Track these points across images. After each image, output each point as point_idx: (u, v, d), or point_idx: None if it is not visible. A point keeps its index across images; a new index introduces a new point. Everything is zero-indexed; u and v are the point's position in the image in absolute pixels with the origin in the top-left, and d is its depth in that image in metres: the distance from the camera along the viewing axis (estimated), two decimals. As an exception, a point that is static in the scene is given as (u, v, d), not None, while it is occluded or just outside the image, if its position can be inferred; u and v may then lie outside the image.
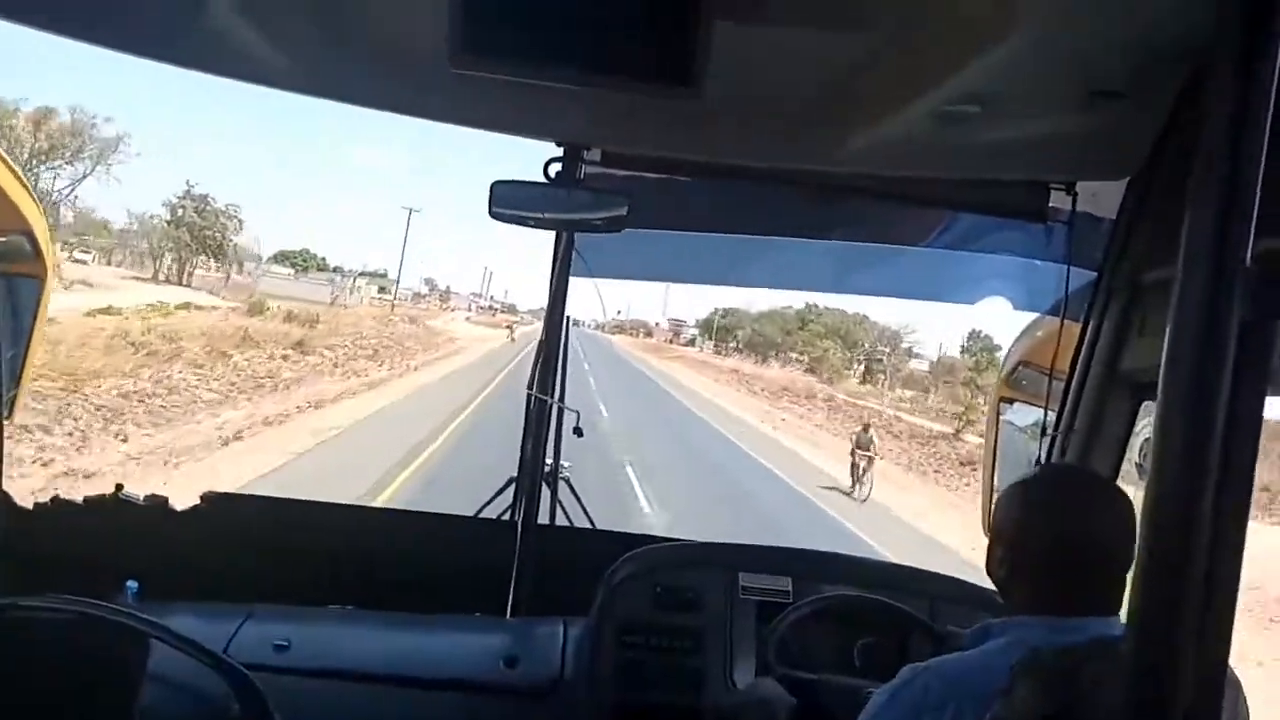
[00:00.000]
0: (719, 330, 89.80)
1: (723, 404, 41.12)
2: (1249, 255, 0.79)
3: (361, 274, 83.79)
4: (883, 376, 69.88)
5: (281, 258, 76.02)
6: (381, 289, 78.08)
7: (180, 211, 54.70)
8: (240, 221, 58.62)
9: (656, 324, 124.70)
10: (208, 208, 55.80)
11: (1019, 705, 1.30)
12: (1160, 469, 0.81)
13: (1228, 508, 0.80)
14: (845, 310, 76.09)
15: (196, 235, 54.99)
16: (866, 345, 76.40)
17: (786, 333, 78.89)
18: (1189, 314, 0.81)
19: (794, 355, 74.58)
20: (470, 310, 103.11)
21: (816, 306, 75.92)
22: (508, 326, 65.57)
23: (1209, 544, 0.78)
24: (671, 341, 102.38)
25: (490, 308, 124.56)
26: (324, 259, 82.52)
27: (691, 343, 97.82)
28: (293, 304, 42.03)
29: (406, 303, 77.48)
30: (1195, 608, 0.79)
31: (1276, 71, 0.79)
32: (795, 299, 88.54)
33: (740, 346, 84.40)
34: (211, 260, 58.91)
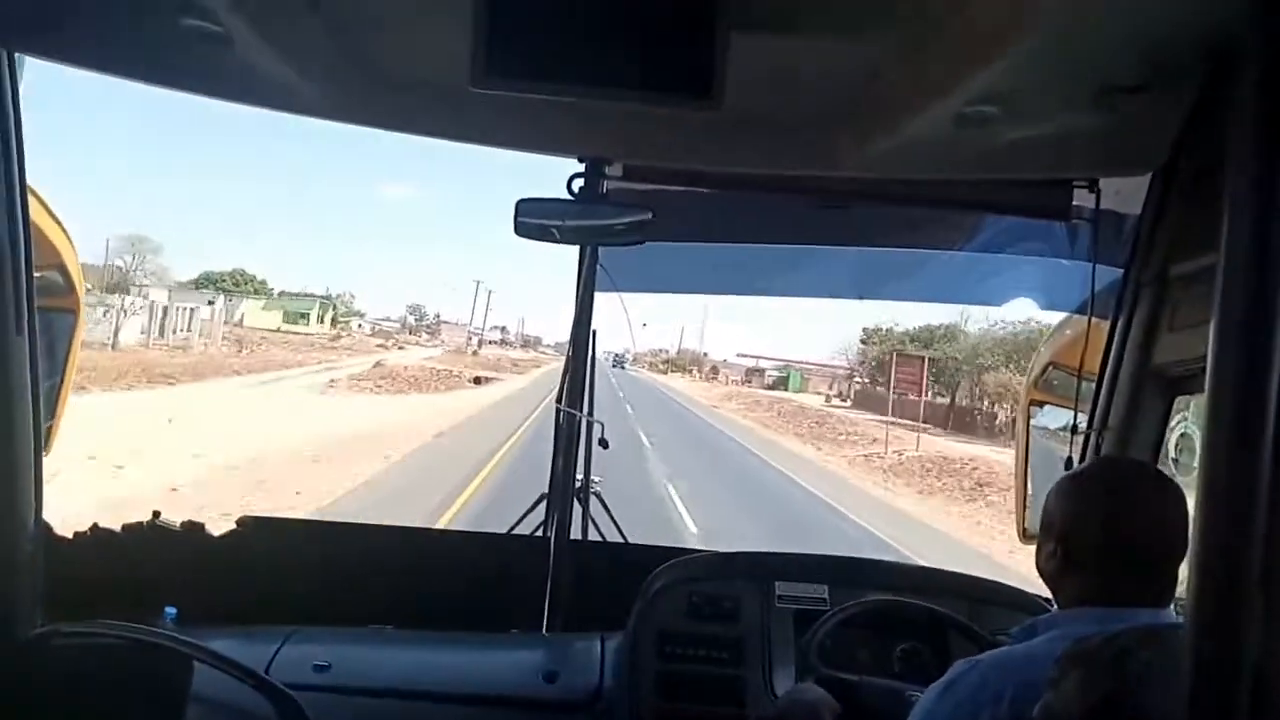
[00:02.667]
0: (873, 364, 55.26)
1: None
2: None
3: (286, 294, 77.68)
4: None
5: (205, 281, 68.85)
6: (301, 315, 70.18)
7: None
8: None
9: (724, 361, 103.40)
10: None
11: (1067, 693, 1.29)
12: (1212, 461, 0.81)
13: None
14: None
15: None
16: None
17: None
18: (1234, 305, 0.80)
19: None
20: (473, 343, 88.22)
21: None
22: (475, 380, 41.71)
23: (1265, 534, 0.78)
24: (748, 382, 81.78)
25: (501, 340, 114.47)
26: (264, 281, 76.72)
27: (776, 384, 74.15)
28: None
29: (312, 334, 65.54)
30: (1255, 599, 0.78)
31: None
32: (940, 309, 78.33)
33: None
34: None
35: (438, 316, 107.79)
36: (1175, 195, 2.12)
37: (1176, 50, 1.62)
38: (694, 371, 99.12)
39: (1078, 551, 1.54)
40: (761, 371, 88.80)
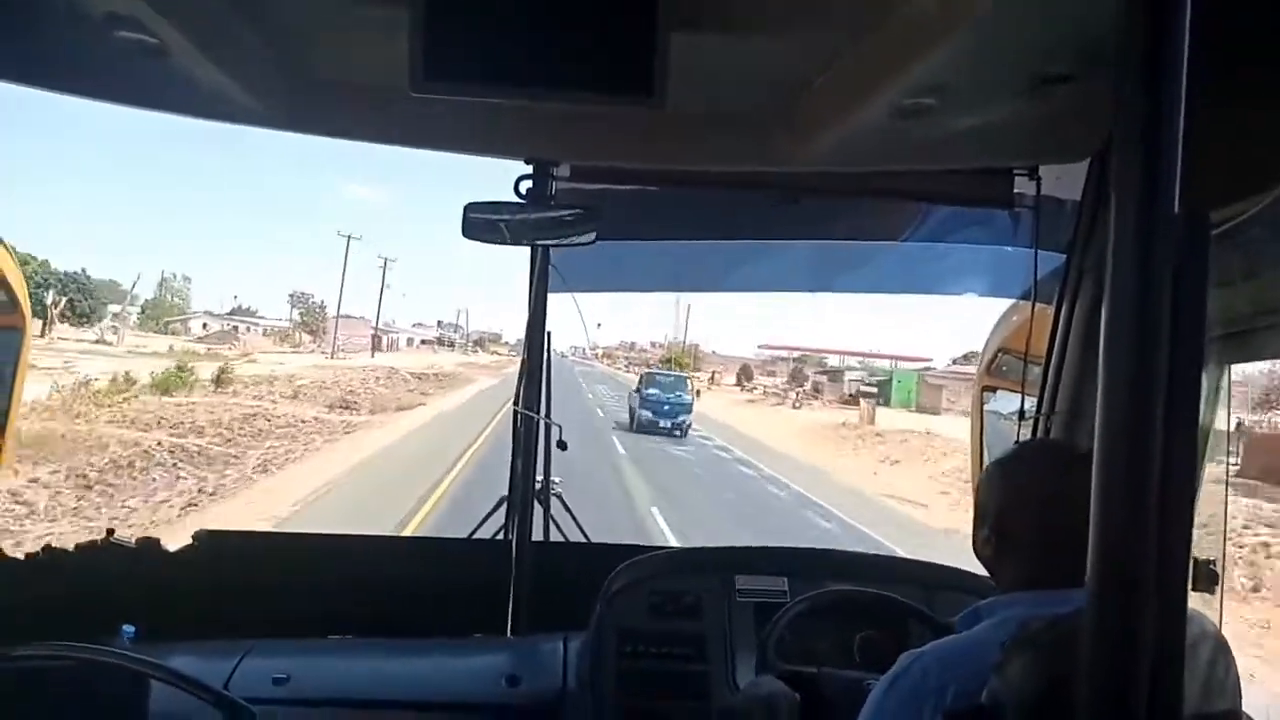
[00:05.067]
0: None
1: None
2: (1175, 203, 0.81)
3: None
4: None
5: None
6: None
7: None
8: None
9: (710, 352, 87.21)
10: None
11: (1013, 680, 1.31)
12: (1107, 449, 0.83)
13: (1177, 455, 0.82)
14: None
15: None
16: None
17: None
18: (1125, 267, 0.83)
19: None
20: (399, 343, 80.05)
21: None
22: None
23: (1158, 498, 0.80)
24: (808, 393, 55.69)
25: (439, 339, 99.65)
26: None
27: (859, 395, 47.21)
28: None
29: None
30: (1150, 571, 0.81)
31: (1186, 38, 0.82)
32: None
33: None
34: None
35: (322, 306, 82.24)
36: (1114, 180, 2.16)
37: (1102, 39, 1.65)
38: (716, 377, 74.26)
39: (1011, 536, 1.57)
40: (837, 374, 62.44)
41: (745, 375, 74.53)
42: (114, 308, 62.33)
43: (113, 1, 1.56)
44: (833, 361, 73.05)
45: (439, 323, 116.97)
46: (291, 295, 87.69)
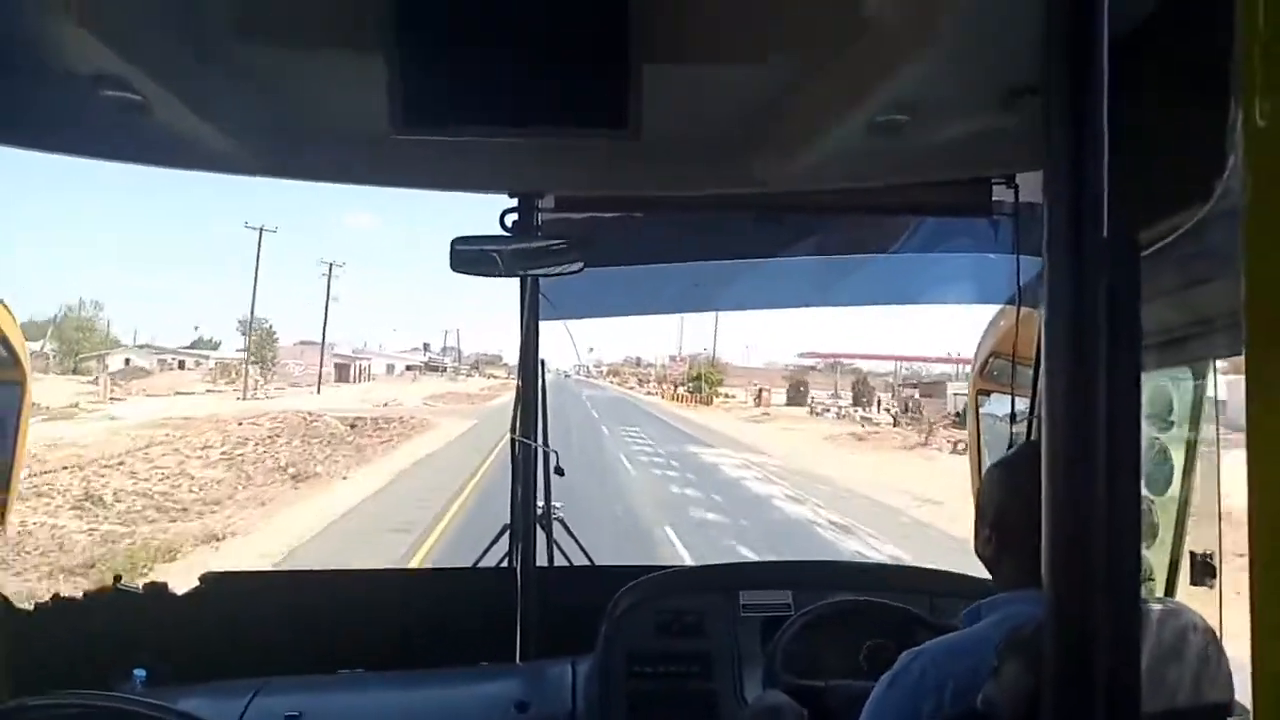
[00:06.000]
0: None
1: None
2: (1105, 226, 0.85)
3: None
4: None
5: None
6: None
7: None
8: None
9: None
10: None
11: (1007, 683, 1.33)
12: (1052, 441, 0.87)
13: (1121, 463, 0.85)
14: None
15: None
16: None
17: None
18: (1060, 287, 0.87)
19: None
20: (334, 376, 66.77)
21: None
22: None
23: (1106, 498, 0.84)
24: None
25: (426, 364, 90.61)
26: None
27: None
28: None
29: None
30: (1101, 574, 0.84)
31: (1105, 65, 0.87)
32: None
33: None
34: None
35: (271, 332, 69.96)
36: None
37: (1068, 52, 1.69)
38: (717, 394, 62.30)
39: (1009, 535, 1.61)
40: (935, 386, 48.01)
41: (797, 390, 61.78)
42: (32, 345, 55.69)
43: (98, 61, 1.60)
44: (886, 368, 62.99)
45: (425, 346, 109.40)
46: (240, 322, 73.10)
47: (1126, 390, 0.87)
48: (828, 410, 52.84)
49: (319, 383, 59.93)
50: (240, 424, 30.39)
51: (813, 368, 71.61)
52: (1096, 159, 0.86)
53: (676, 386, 69.85)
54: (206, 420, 31.62)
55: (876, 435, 37.65)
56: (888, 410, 48.18)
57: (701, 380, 61.72)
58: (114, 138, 1.93)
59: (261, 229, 57.72)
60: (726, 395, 65.54)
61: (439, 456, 25.75)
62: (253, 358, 63.78)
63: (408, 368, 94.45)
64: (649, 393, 73.35)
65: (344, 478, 21.81)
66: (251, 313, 61.61)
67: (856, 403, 52.56)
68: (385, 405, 44.14)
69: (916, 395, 49.93)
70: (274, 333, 71.27)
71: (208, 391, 53.86)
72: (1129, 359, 0.88)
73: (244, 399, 46.87)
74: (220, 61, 1.73)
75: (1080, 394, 0.85)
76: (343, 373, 70.03)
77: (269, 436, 28.08)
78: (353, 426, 31.81)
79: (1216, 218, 1.20)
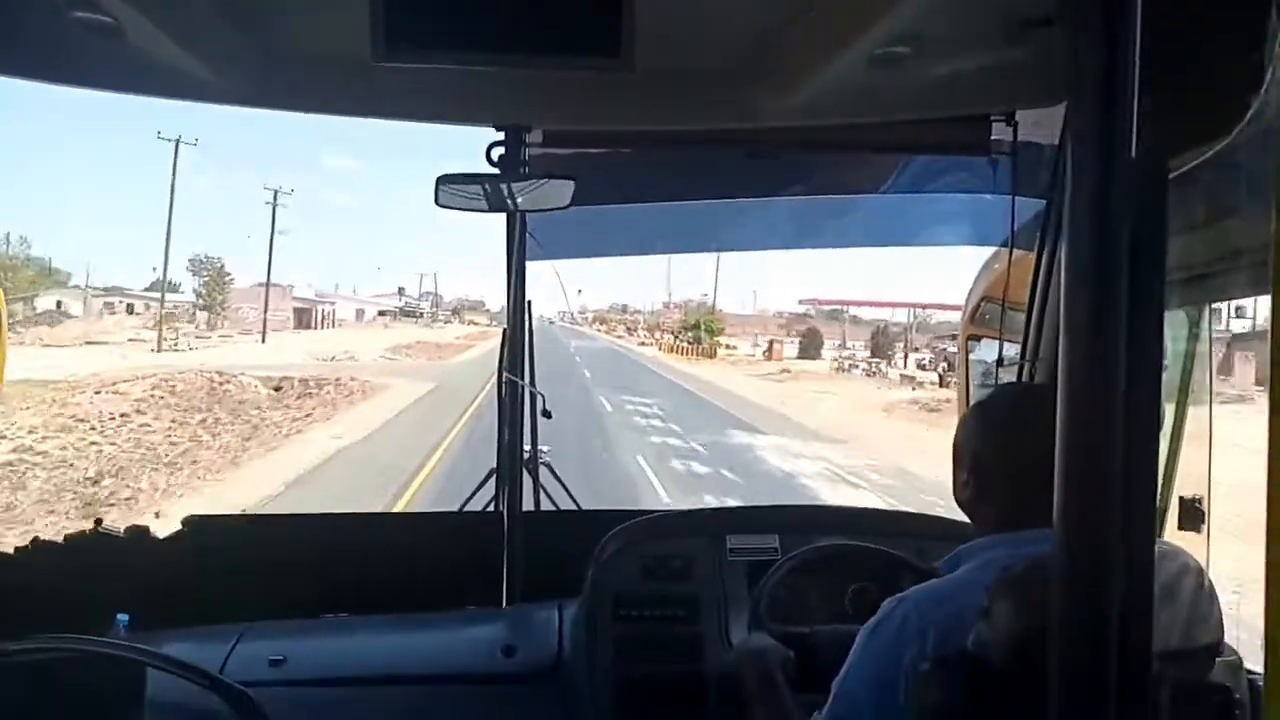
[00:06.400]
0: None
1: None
2: (1133, 150, 0.81)
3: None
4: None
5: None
6: None
7: None
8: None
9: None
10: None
11: (999, 623, 1.32)
12: (1069, 370, 0.84)
13: (1140, 398, 0.83)
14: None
15: None
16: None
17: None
18: (1084, 214, 0.83)
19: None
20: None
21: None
22: None
23: (1124, 436, 0.81)
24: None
25: (402, 308, 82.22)
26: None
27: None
28: None
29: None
30: (1116, 506, 0.82)
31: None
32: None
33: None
34: None
35: (222, 273, 63.85)
36: None
37: None
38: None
39: (987, 479, 1.59)
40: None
41: (812, 342, 57.20)
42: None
43: None
44: (900, 317, 56.54)
45: (400, 290, 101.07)
46: (191, 261, 65.44)
47: (1149, 323, 0.84)
48: (855, 365, 48.30)
49: (264, 331, 52.17)
50: (100, 393, 22.27)
51: (807, 314, 67.21)
52: (1127, 73, 0.82)
53: (675, 337, 63.70)
54: (66, 385, 23.67)
55: (949, 405, 26.48)
56: (921, 366, 43.40)
57: (701, 329, 56.49)
58: (84, 62, 1.85)
59: (178, 140, 49.52)
60: (727, 346, 59.68)
61: (371, 443, 18.64)
62: (201, 301, 59.04)
63: (380, 313, 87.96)
64: (642, 343, 68.02)
65: (179, 495, 14.51)
66: (166, 250, 51.02)
67: (876, 355, 48.53)
68: (333, 360, 36.81)
69: (949, 348, 42.76)
70: (226, 273, 65.34)
71: (129, 340, 45.81)
72: (1153, 292, 0.84)
73: (158, 351, 40.39)
74: None
75: (1101, 326, 0.82)
76: (303, 318, 65.82)
77: (132, 410, 20.80)
78: (277, 389, 25.59)
79: (1247, 142, 1.16)
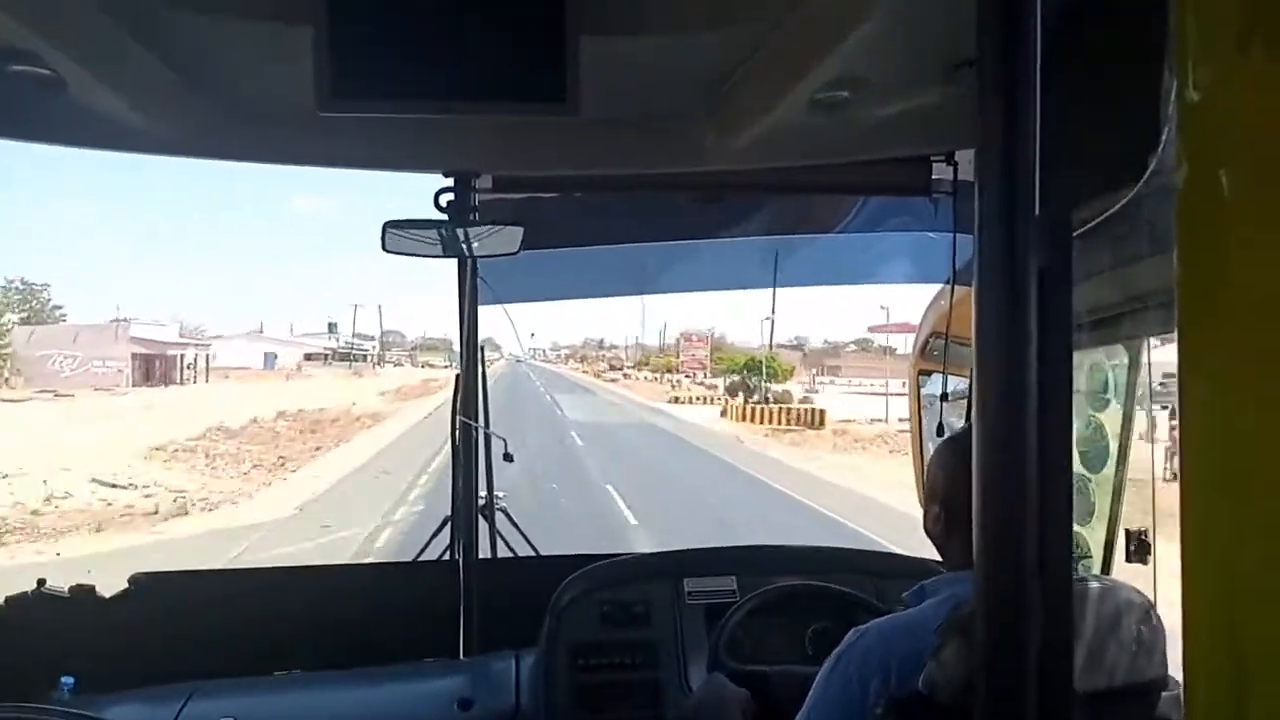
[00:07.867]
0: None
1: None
2: (1036, 205, 0.84)
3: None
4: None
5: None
6: None
7: None
8: None
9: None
10: None
11: (948, 664, 1.33)
12: (984, 421, 0.86)
13: (1052, 443, 0.85)
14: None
15: None
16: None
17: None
18: (992, 266, 0.86)
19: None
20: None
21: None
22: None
23: (1038, 479, 0.83)
24: None
25: (334, 350, 66.33)
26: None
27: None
28: None
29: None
30: (1032, 555, 0.84)
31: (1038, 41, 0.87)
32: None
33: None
34: None
35: (47, 304, 52.05)
36: None
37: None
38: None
39: (958, 513, 1.59)
40: None
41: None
42: None
43: (5, 34, 1.50)
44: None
45: (331, 326, 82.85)
46: (7, 284, 51.50)
47: (1058, 370, 0.87)
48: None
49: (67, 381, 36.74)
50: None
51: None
52: (1029, 136, 0.86)
53: (742, 392, 40.35)
54: None
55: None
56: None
57: (762, 371, 37.63)
58: (24, 116, 1.83)
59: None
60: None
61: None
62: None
63: (307, 357, 72.14)
64: (674, 399, 43.18)
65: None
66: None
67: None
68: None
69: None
70: (56, 307, 51.21)
71: None
72: (1061, 339, 0.88)
73: None
74: (136, 34, 1.65)
75: (1012, 374, 0.85)
76: (151, 369, 46.88)
77: None
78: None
79: (1149, 195, 1.21)
